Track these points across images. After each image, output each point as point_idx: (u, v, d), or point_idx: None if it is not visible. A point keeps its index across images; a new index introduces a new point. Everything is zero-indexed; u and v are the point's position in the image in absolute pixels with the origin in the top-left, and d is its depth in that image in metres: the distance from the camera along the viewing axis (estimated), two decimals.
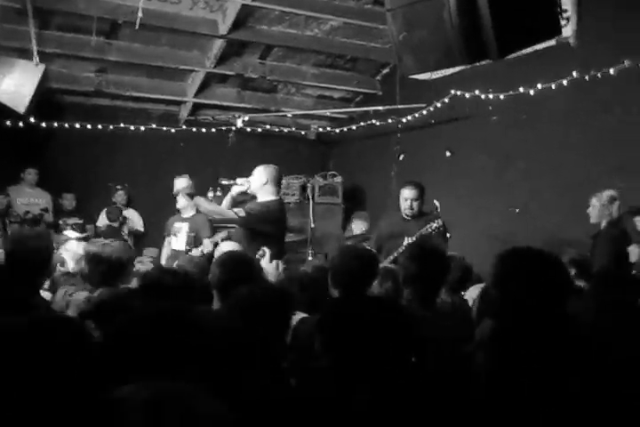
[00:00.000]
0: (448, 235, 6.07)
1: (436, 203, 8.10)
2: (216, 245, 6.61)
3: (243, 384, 2.25)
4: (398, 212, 6.26)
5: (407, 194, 6.10)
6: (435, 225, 5.87)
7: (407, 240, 5.84)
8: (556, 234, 6.66)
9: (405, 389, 2.07)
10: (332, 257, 4.04)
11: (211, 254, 6.03)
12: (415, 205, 6.09)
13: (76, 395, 1.54)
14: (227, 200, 5.83)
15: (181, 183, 6.90)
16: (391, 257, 5.74)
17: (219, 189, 8.83)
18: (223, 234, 7.54)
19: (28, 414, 1.49)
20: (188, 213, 7.47)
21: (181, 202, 7.37)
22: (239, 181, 5.71)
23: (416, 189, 6.11)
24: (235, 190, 5.77)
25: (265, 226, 5.40)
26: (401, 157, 7.87)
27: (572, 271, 5.05)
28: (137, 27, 6.87)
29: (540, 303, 2.50)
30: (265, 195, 5.61)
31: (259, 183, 5.60)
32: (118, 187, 9.41)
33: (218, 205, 5.86)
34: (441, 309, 3.68)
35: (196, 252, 7.05)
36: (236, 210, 5.46)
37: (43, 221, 8.28)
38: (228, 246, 5.01)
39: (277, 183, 5.70)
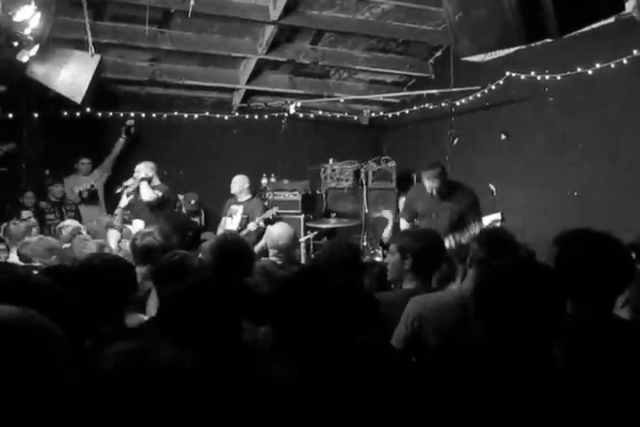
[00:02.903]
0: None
1: (492, 187, 8.02)
2: (267, 221, 7.44)
3: None
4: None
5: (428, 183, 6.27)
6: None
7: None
8: (615, 217, 6.50)
9: None
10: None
11: (260, 231, 7.29)
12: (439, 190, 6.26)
13: None
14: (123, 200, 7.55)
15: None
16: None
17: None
18: (273, 211, 7.76)
19: None
20: (244, 198, 8.00)
21: (235, 187, 8.00)
22: (128, 182, 7.47)
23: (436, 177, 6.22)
24: (129, 190, 7.49)
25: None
26: (455, 141, 7.77)
27: (633, 255, 4.94)
28: (189, 15, 6.91)
29: (599, 289, 2.44)
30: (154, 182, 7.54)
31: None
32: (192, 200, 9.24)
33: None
34: None
35: (245, 231, 7.53)
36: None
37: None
38: (278, 227, 5.09)
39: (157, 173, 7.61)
